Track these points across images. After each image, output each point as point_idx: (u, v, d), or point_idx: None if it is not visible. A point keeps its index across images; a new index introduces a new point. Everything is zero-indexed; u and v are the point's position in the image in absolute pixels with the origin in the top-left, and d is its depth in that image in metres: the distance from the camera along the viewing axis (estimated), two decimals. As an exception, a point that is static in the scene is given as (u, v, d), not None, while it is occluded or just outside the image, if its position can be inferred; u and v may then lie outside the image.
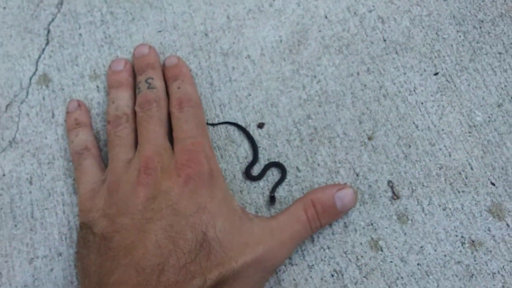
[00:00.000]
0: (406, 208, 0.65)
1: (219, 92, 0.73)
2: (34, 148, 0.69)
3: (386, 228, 0.64)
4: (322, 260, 0.63)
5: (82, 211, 0.57)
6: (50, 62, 0.79)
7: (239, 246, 0.51)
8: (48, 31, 0.81)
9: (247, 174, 0.67)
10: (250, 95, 0.72)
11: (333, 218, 0.60)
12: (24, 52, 0.80)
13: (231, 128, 0.71)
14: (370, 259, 0.63)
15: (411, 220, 0.64)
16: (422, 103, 0.71)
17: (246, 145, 0.70)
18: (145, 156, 0.55)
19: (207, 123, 0.68)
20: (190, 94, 0.64)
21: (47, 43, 0.81)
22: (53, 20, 0.82)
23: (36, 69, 0.79)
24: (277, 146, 0.69)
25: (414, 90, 0.72)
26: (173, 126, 0.61)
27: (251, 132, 0.69)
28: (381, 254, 0.63)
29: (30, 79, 0.78)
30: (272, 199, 0.64)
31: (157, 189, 0.53)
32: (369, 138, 0.69)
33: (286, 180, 0.67)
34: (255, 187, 0.67)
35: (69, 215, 0.64)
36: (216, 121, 0.71)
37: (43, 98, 0.72)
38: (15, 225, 0.62)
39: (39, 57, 0.80)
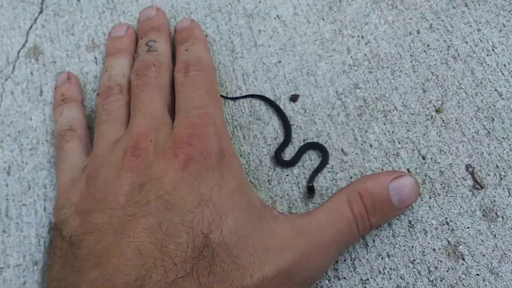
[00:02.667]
0: (494, 200, 0.50)
1: (241, 59, 0.61)
2: (16, 132, 0.61)
3: (468, 228, 0.50)
4: (380, 272, 0.48)
5: (56, 208, 0.46)
6: (42, 32, 0.64)
7: (257, 254, 0.37)
8: (43, -1, 0.67)
9: (278, 159, 0.54)
10: (280, 62, 0.60)
11: (387, 217, 0.46)
12: (14, 22, 0.66)
13: (257, 102, 0.59)
14: (447, 271, 0.48)
15: (502, 217, 0.50)
16: (504, 66, 0.57)
17: (275, 122, 0.57)
18: (136, 132, 0.43)
19: (226, 97, 0.58)
20: (199, 57, 0.52)
21: (40, 12, 0.67)
22: (48, -15, 0.68)
23: (26, 41, 0.65)
24: (315, 123, 0.57)
25: (493, 50, 0.58)
26: (176, 94, 0.49)
27: (282, 107, 0.57)
28: (462, 264, 0.48)
29: (18, 52, 0.64)
30: (310, 190, 0.51)
31: (146, 174, 0.40)
32: (437, 111, 0.56)
33: (328, 166, 0.54)
34: (287, 175, 0.54)
35: (50, 213, 0.54)
36: (237, 94, 0.59)
37: (31, 73, 0.58)
38: (-14, 226, 0.55)
39: (31, 27, 0.66)
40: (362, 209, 0.43)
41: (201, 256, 0.35)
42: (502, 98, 0.55)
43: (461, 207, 0.51)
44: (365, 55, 0.60)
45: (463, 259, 0.48)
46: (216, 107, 0.48)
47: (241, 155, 0.56)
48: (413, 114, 0.56)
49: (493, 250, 0.49)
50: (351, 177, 0.53)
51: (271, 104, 0.58)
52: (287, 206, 0.52)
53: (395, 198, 0.44)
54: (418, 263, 0.49)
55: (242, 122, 0.58)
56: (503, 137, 0.53)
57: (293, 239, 0.39)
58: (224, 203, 0.39)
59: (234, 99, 0.59)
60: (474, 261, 0.48)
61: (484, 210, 0.50)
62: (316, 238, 0.40)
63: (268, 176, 0.54)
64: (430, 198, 0.51)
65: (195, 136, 0.42)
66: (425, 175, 0.52)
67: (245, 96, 0.59)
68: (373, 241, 0.50)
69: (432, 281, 0.49)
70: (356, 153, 0.55)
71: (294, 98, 0.58)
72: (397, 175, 0.45)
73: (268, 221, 0.41)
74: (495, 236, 0.49)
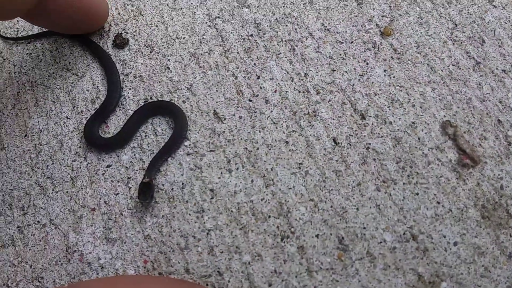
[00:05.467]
0: (501, 187, 0.29)
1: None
2: None
3: None
4: None
5: None
6: None
7: None
8: None
9: (89, 137, 0.33)
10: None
11: None
12: None
13: (66, 42, 0.37)
14: None
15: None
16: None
17: (96, 73, 0.35)
18: None
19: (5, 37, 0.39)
20: None
21: None
22: None
23: None
24: (168, 68, 0.35)
25: None
26: None
27: (108, 49, 0.37)
28: None
29: None
30: (145, 190, 0.30)
31: None
32: (384, 33, 0.35)
33: (186, 143, 0.33)
34: (109, 166, 0.33)
35: None
36: (31, 32, 0.39)
37: None
38: None
39: None
40: None
41: None
42: (495, 6, 0.35)
43: (438, 203, 0.29)
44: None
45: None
46: None
47: (26, 135, 0.34)
48: (341, 43, 0.35)
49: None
50: (229, 161, 0.32)
51: (88, 44, 0.37)
52: (102, 230, 0.31)
53: None
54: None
55: (35, 75, 0.36)
56: (503, 70, 0.32)
57: None
58: None
59: (17, 40, 0.38)
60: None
61: (485, 207, 0.28)
62: None
63: (72, 170, 0.33)
64: (377, 190, 0.30)
65: None
66: (367, 148, 0.31)
67: (40, 35, 0.38)
68: (269, 285, 0.28)
69: None
70: (240, 117, 0.33)
71: (120, 43, 0.37)
72: None
73: None
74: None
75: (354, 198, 0.29)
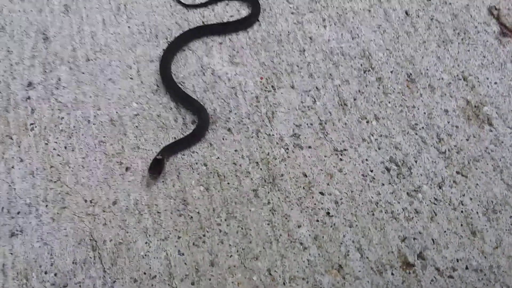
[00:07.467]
0: None
1: None
2: None
3: (496, 84, 0.36)
4: (364, 140, 0.35)
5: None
6: None
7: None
8: None
9: None
10: None
11: None
12: None
13: None
14: (467, 139, 0.35)
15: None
16: None
17: None
18: None
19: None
20: None
21: None
22: None
23: None
24: None
25: None
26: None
27: None
28: (490, 131, 0.35)
29: None
30: (155, 165, 0.35)
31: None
32: None
33: (290, 5, 0.41)
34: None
35: None
36: None
37: None
38: None
39: None
40: None
41: None
42: None
43: (484, 57, 0.35)
44: None
45: (491, 125, 0.33)
46: None
47: None
48: None
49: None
50: (324, 20, 0.41)
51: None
52: (227, 56, 0.38)
53: None
54: (423, 128, 0.31)
55: None
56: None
57: None
58: None
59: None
60: (507, 127, 0.35)
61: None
62: None
63: (203, 17, 0.41)
64: (438, 46, 0.39)
65: None
66: (431, 18, 0.38)
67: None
68: (354, 99, 0.33)
69: (445, 152, 0.32)
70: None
71: None
72: None
73: None
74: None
75: (420, 50, 0.38)
